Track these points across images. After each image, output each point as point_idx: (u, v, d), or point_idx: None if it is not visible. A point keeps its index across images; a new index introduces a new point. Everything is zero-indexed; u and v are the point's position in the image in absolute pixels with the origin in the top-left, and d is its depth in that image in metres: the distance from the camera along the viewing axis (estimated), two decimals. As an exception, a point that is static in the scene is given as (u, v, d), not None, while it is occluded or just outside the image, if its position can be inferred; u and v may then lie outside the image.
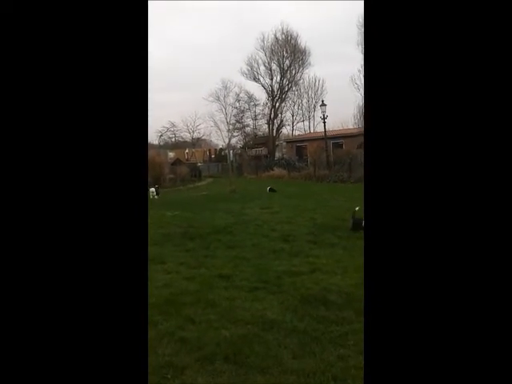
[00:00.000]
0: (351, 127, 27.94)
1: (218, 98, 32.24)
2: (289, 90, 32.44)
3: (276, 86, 32.16)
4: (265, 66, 32.07)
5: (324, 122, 23.36)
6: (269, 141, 31.83)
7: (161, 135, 43.63)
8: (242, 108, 34.10)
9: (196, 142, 42.13)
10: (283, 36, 31.50)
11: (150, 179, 18.89)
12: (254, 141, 34.45)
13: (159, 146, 40.31)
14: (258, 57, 32.52)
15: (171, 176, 20.31)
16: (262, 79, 32.40)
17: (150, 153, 23.34)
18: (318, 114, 28.92)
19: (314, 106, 34.54)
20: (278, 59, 31.69)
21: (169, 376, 2.39)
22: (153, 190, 13.14)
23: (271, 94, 32.37)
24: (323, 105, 23.60)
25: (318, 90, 34.65)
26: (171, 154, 30.45)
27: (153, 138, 44.79)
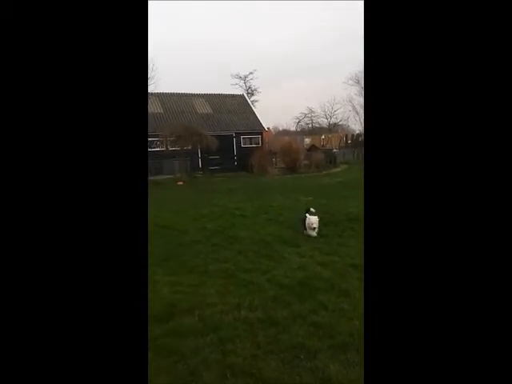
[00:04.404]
0: None
1: (358, 81, 31.07)
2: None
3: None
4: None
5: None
6: (412, 126, 29.26)
7: (298, 121, 44.43)
8: (384, 91, 32.04)
9: (332, 128, 41.63)
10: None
11: (284, 165, 19.47)
12: (395, 126, 32.10)
13: (296, 133, 41.15)
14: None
15: (306, 162, 20.54)
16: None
17: (287, 139, 23.97)
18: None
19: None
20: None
21: (301, 357, 2.46)
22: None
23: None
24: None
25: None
26: (307, 140, 30.77)
27: (290, 124, 45.88)
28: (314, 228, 5.50)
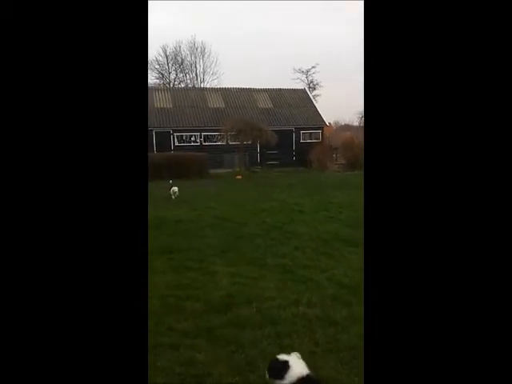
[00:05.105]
0: None
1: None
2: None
3: None
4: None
5: None
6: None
7: (361, 116, 43.00)
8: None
9: (397, 124, 39.75)
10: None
11: (345, 161, 18.95)
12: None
13: (358, 128, 39.89)
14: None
15: (368, 158, 19.81)
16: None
17: (349, 134, 23.29)
18: None
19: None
20: None
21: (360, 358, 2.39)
22: (175, 189, 9.71)
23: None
24: None
25: None
26: (370, 136, 29.61)
27: (353, 119, 44.60)
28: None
